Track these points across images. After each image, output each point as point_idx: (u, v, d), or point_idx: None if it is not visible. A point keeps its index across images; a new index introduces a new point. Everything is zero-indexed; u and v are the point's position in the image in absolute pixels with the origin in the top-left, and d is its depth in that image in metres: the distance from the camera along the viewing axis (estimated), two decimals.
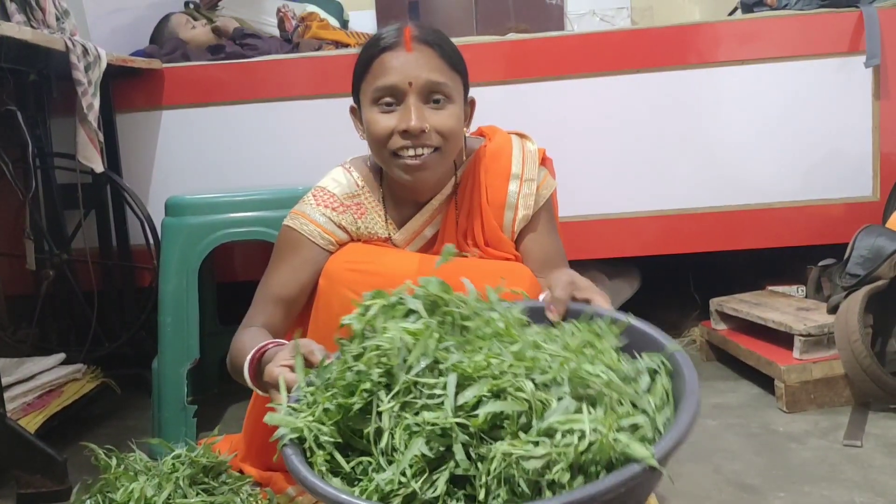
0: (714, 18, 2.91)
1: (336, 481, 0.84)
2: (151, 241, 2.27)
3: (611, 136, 2.38)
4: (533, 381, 0.81)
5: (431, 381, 0.83)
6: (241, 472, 1.52)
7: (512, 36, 2.46)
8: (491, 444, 0.78)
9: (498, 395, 0.80)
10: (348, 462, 0.85)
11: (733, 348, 2.17)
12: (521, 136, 1.49)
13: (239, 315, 1.41)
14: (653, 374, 0.90)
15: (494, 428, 0.79)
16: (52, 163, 2.30)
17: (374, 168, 1.46)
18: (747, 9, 2.65)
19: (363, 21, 3.98)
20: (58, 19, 2.08)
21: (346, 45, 2.80)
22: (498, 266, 1.37)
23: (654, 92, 2.35)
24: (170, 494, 1.24)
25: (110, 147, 2.36)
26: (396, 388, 0.84)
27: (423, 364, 0.84)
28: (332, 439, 0.86)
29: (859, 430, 1.74)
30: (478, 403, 0.80)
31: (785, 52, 2.30)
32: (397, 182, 1.38)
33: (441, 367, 0.84)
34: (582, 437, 0.75)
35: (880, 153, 2.31)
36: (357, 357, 0.90)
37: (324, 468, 0.85)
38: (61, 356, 2.12)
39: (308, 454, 0.87)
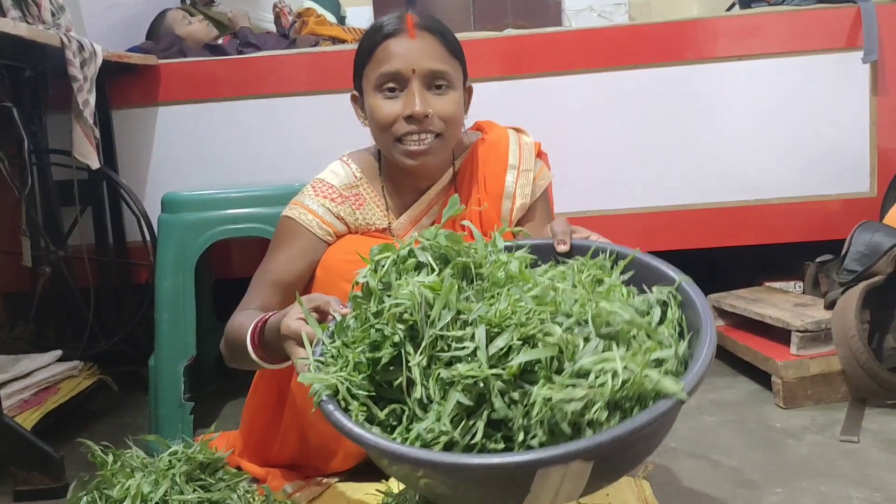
0: (712, 14, 2.91)
1: (376, 429, 0.86)
2: (148, 237, 2.27)
3: (608, 132, 2.37)
4: (559, 324, 0.83)
5: (459, 333, 0.84)
6: (238, 468, 1.51)
7: (509, 31, 2.46)
8: (525, 388, 0.80)
9: (527, 341, 0.82)
10: (381, 411, 0.88)
11: (731, 344, 2.17)
12: (518, 130, 1.52)
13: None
14: (663, 306, 0.93)
15: (526, 372, 0.81)
16: (48, 159, 2.29)
17: (374, 157, 1.47)
18: (745, 4, 2.64)
19: (360, 17, 3.96)
20: (53, 15, 2.07)
21: (343, 41, 2.79)
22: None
23: (651, 88, 2.35)
24: (166, 491, 1.24)
25: (106, 143, 2.35)
26: (424, 343, 0.86)
27: (447, 318, 0.86)
28: (364, 391, 0.89)
29: (856, 425, 1.74)
30: (508, 351, 0.82)
31: (783, 48, 2.30)
32: (397, 168, 1.39)
33: (464, 318, 0.86)
34: (615, 376, 0.77)
35: (878, 149, 2.31)
36: (377, 314, 0.91)
37: (361, 418, 0.88)
38: (58, 353, 2.11)
39: (343, 406, 0.89)
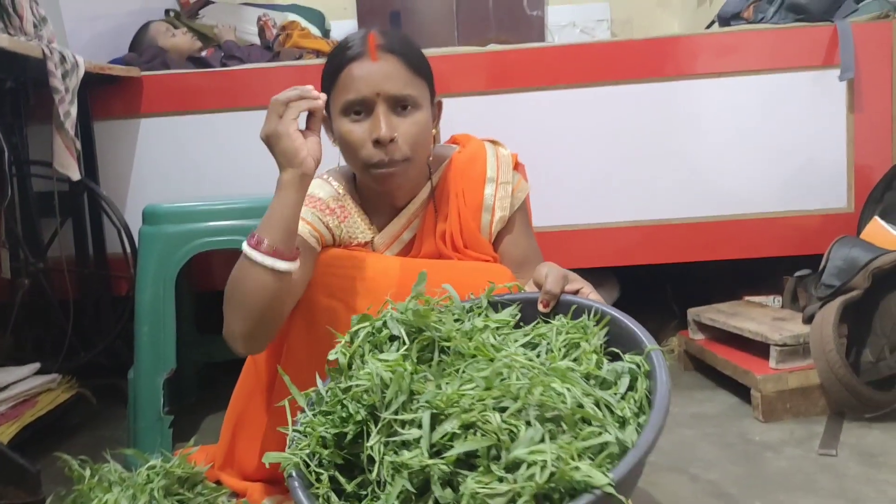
0: (692, 31, 2.95)
1: (334, 499, 0.92)
2: (129, 249, 2.25)
3: (590, 147, 2.39)
4: (503, 409, 0.85)
5: (409, 417, 0.89)
6: (217, 482, 1.50)
7: (493, 47, 2.47)
8: (467, 475, 0.83)
9: (469, 427, 0.85)
10: (352, 482, 0.93)
11: (710, 358, 2.19)
12: (494, 142, 1.52)
13: (217, 324, 1.40)
14: (634, 374, 0.94)
15: (469, 458, 0.84)
16: (28, 170, 2.28)
17: (350, 176, 1.47)
18: (724, 22, 2.69)
19: (344, 30, 3.98)
20: (35, 26, 2.06)
21: (327, 55, 2.80)
22: (478, 267, 1.39)
23: (633, 103, 2.37)
24: None
25: (88, 155, 2.34)
26: (380, 425, 0.91)
27: (400, 400, 0.90)
28: (332, 460, 0.94)
29: (834, 439, 1.76)
30: (453, 436, 0.85)
31: (761, 65, 2.33)
32: (372, 189, 1.40)
33: (417, 399, 0.90)
34: (544, 467, 0.78)
35: (854, 165, 2.34)
36: (345, 391, 0.96)
37: (329, 488, 0.93)
38: (36, 366, 2.09)
39: (314, 477, 0.94)
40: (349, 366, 1.01)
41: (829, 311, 1.90)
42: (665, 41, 2.39)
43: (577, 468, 0.78)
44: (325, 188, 1.44)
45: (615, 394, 0.92)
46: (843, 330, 1.91)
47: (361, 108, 1.31)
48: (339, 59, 1.33)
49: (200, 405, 2.25)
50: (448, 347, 0.99)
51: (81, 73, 2.05)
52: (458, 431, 0.84)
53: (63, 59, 1.97)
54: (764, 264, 2.46)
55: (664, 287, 2.78)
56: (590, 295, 1.14)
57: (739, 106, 2.35)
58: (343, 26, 4.00)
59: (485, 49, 2.44)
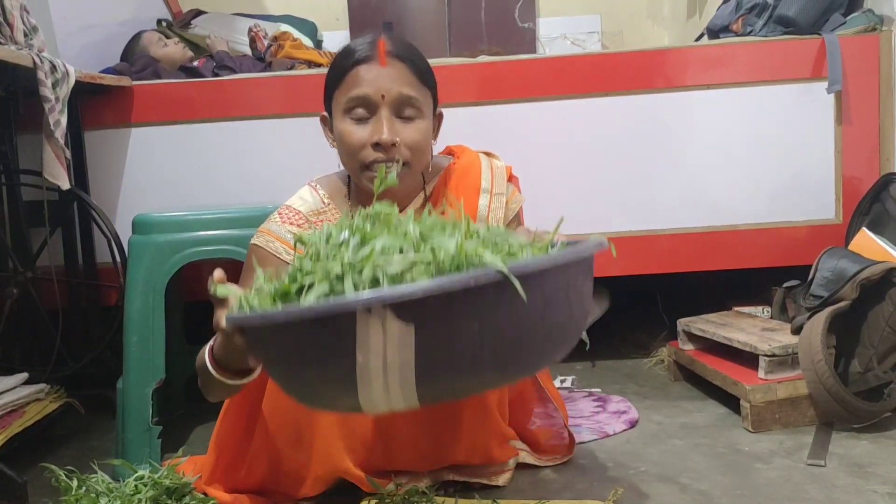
0: (682, 44, 2.98)
1: None
2: (118, 259, 2.25)
3: (580, 158, 2.40)
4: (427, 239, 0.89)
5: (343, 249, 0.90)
6: (205, 494, 1.50)
7: (484, 58, 2.49)
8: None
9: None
10: None
11: (700, 368, 2.19)
12: (489, 154, 1.52)
13: (206, 334, 1.39)
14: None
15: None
16: (18, 179, 2.27)
17: (343, 181, 1.47)
18: (714, 35, 2.71)
19: (336, 41, 3.99)
20: (26, 35, 2.06)
21: (319, 65, 2.81)
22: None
23: (622, 115, 2.38)
24: None
25: (78, 164, 2.34)
26: (313, 250, 0.93)
27: (342, 236, 0.92)
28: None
29: (823, 449, 1.76)
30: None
31: (750, 78, 2.35)
32: (366, 193, 1.40)
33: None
34: (446, 251, 0.82)
35: (842, 177, 2.36)
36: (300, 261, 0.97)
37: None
38: (24, 376, 2.08)
39: None
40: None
41: (817, 321, 1.91)
42: (655, 53, 2.41)
43: (476, 251, 0.81)
44: (307, 199, 1.44)
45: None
46: (832, 341, 1.91)
47: (364, 110, 1.31)
48: (346, 60, 1.33)
49: (189, 416, 2.24)
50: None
51: (72, 82, 2.05)
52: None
53: (54, 68, 1.97)
54: (753, 275, 2.47)
55: (654, 297, 2.79)
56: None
57: (728, 118, 2.37)
58: (335, 37, 4.01)
59: (476, 60, 2.46)
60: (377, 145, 1.29)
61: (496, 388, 1.37)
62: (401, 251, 0.85)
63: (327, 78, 1.38)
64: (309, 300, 0.85)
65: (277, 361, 0.91)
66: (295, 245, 1.01)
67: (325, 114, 1.42)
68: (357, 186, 1.43)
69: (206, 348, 1.17)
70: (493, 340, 0.82)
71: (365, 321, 0.77)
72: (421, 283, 0.77)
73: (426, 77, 1.36)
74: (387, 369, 0.80)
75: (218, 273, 1.05)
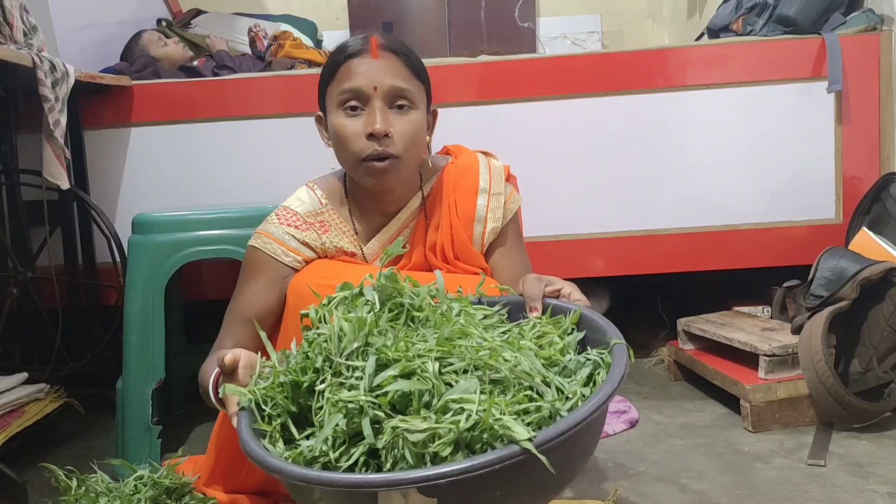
0: (682, 44, 2.98)
1: (280, 444, 0.92)
2: (118, 259, 2.25)
3: (581, 158, 2.40)
4: (447, 364, 0.87)
5: (359, 363, 0.90)
6: (205, 494, 1.49)
7: (484, 58, 2.49)
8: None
9: (409, 376, 0.86)
10: (302, 432, 0.92)
11: (700, 368, 2.19)
12: (486, 154, 1.52)
13: (207, 334, 1.40)
14: (597, 366, 0.96)
15: (408, 406, 0.85)
16: (17, 179, 2.27)
17: (340, 180, 1.47)
18: (714, 34, 2.70)
19: (337, 40, 3.97)
20: (26, 35, 2.06)
21: (319, 65, 2.80)
22: (466, 279, 1.38)
23: (623, 114, 2.38)
24: None
25: (78, 164, 2.34)
26: (332, 369, 0.92)
27: (353, 346, 0.92)
28: (286, 406, 0.94)
29: (823, 449, 1.76)
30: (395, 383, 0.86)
31: (750, 77, 2.35)
32: (363, 191, 1.40)
33: (370, 350, 0.91)
34: (470, 415, 0.80)
35: (842, 176, 2.36)
36: (311, 343, 0.98)
37: (277, 435, 0.93)
38: (24, 375, 2.08)
39: (267, 420, 0.95)
40: (321, 322, 1.03)
41: (817, 321, 1.91)
42: (655, 53, 2.41)
43: (499, 419, 0.78)
44: (304, 199, 1.44)
45: (573, 381, 0.92)
46: (832, 340, 1.91)
47: (357, 103, 1.31)
48: (338, 56, 1.34)
49: (189, 416, 2.24)
50: (418, 317, 1.01)
51: (72, 81, 2.05)
52: (398, 377, 0.86)
53: (53, 67, 1.97)
54: (753, 275, 2.47)
55: (654, 297, 2.79)
56: (571, 293, 1.14)
57: (728, 117, 2.37)
58: (335, 36, 4.00)
59: (476, 60, 2.45)
60: (371, 136, 1.30)
61: None
62: (420, 413, 0.83)
63: (321, 75, 1.39)
64: (325, 434, 0.86)
65: (293, 492, 0.91)
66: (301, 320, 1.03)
67: (320, 113, 1.42)
68: (354, 186, 1.43)
69: (211, 381, 1.17)
70: (515, 499, 0.83)
71: (388, 495, 0.78)
72: (445, 468, 0.76)
73: (418, 70, 1.37)
74: None
75: (228, 358, 1.03)
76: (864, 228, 2.17)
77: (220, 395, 1.03)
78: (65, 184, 2.04)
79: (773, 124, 2.36)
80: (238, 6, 3.81)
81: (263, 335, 1.09)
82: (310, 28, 3.69)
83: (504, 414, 0.80)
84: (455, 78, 2.38)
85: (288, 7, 4.04)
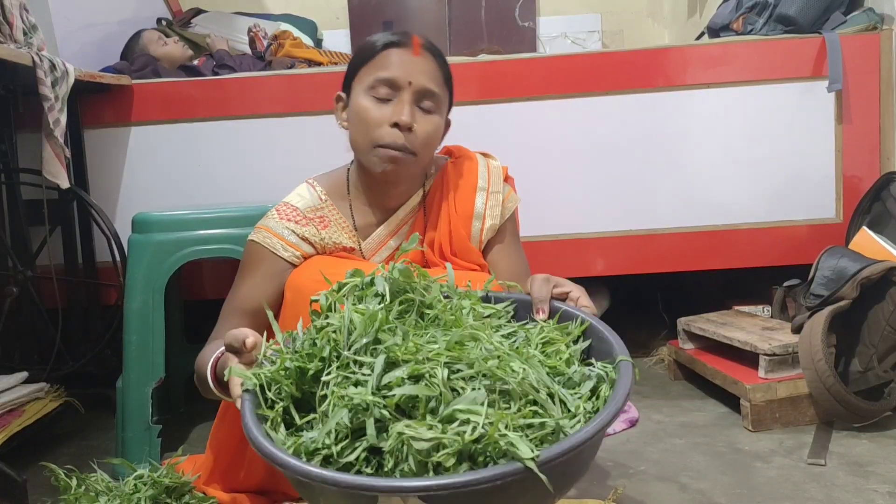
0: (682, 43, 2.97)
1: (282, 430, 0.91)
2: (118, 258, 2.24)
3: (580, 157, 2.40)
4: (456, 370, 0.87)
5: (367, 359, 0.89)
6: (205, 493, 1.49)
7: (484, 57, 2.49)
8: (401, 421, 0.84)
9: (417, 379, 0.85)
10: (304, 418, 0.92)
11: (700, 367, 2.19)
12: (486, 154, 1.54)
13: (207, 333, 1.40)
14: (601, 380, 0.95)
15: (413, 409, 0.85)
16: (17, 178, 2.27)
17: (343, 175, 1.47)
18: (714, 34, 2.70)
19: (337, 40, 4.00)
20: (25, 34, 2.06)
21: (319, 64, 2.81)
22: (473, 276, 1.39)
23: (623, 114, 2.38)
24: None
25: (78, 163, 2.34)
26: (339, 362, 0.91)
27: (363, 342, 0.91)
28: (290, 392, 0.93)
29: (823, 448, 1.76)
30: (403, 384, 0.86)
31: (750, 77, 2.35)
32: (367, 183, 1.40)
33: (378, 347, 0.91)
34: (475, 427, 0.79)
35: (843, 176, 2.35)
36: (319, 330, 0.97)
37: (279, 419, 0.92)
38: (24, 375, 2.08)
39: (269, 404, 0.93)
40: (330, 309, 1.02)
41: (817, 321, 1.91)
42: (655, 52, 2.40)
43: (505, 435, 0.78)
44: (304, 195, 1.44)
45: (577, 394, 0.92)
46: (832, 340, 1.91)
47: (388, 90, 1.33)
48: (379, 41, 1.36)
49: (189, 415, 2.24)
50: (428, 314, 1.00)
51: (71, 80, 2.05)
52: (407, 381, 0.85)
53: (53, 66, 1.97)
54: (753, 274, 2.47)
55: (654, 296, 2.79)
56: (579, 298, 1.14)
57: (729, 117, 2.37)
58: (335, 36, 4.01)
59: (476, 59, 2.45)
60: (395, 125, 1.31)
61: None
62: (425, 418, 0.83)
63: (356, 55, 1.41)
64: (329, 427, 0.85)
65: (295, 484, 0.91)
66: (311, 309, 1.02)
67: (341, 93, 1.43)
68: (359, 177, 1.43)
69: (210, 362, 1.16)
70: None
71: (388, 499, 0.79)
72: (449, 479, 0.76)
73: (448, 78, 1.41)
74: None
75: (250, 341, 1.01)
76: (865, 228, 2.17)
77: (225, 378, 1.01)
78: (65, 183, 2.04)
79: (774, 123, 2.36)
80: (238, 6, 3.81)
81: (270, 314, 1.08)
82: (310, 27, 3.69)
83: (509, 429, 0.80)
84: (455, 77, 2.34)
85: (288, 6, 4.04)
